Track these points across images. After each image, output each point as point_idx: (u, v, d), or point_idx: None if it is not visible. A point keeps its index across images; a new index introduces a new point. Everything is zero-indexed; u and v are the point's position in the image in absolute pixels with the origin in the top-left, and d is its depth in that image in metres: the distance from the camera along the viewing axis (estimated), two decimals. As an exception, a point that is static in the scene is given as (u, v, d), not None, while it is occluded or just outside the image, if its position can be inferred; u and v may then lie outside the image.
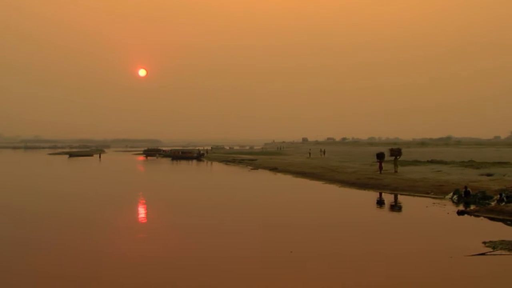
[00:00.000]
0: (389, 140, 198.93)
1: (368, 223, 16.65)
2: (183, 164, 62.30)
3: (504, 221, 15.85)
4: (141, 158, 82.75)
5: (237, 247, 12.79)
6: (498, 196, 18.92)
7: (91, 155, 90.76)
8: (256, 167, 49.64)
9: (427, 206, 19.47)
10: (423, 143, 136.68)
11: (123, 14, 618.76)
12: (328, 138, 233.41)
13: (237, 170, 48.73)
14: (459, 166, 35.00)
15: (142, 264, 10.91)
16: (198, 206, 20.98)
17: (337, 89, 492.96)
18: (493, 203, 18.51)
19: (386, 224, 16.93)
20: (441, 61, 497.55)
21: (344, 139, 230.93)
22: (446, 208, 18.78)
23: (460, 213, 17.62)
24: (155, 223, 17.24)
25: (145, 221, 17.88)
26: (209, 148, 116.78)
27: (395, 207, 20.92)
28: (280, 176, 39.13)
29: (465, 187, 21.01)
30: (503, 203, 18.03)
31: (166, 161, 69.19)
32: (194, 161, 69.28)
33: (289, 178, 36.67)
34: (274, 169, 45.29)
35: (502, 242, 12.24)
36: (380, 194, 24.47)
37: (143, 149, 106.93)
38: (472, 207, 18.71)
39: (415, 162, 40.77)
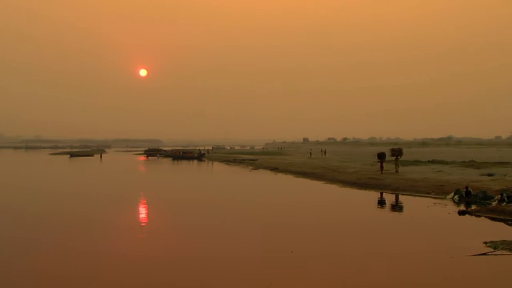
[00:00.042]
0: (390, 140, 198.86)
1: (369, 223, 16.63)
2: (184, 164, 62.32)
3: (505, 221, 15.83)
4: (142, 158, 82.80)
5: (238, 247, 12.79)
6: (499, 196, 18.90)
7: (92, 155, 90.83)
8: (257, 167, 49.64)
9: (428, 206, 19.46)
10: (424, 143, 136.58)
11: (123, 14, 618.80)
12: (329, 138, 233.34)
13: (238, 170, 48.74)
14: (460, 166, 34.97)
15: (143, 264, 10.90)
16: (199, 206, 20.98)
17: (337, 89, 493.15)
18: (494, 203, 18.49)
19: (387, 224, 16.91)
20: (441, 61, 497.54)
21: (345, 139, 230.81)
22: (447, 208, 18.76)
23: (461, 213, 17.60)
24: (156, 223, 17.24)
25: (146, 221, 17.87)
26: (210, 148, 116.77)
27: (396, 207, 20.90)
28: (281, 176, 39.13)
29: (466, 187, 20.98)
30: (504, 203, 18.02)
31: (167, 161, 69.21)
32: (195, 161, 69.30)
33: (290, 178, 36.66)
34: (275, 169, 45.29)
35: (503, 242, 12.22)
36: (381, 194, 24.44)
37: (144, 149, 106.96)
38: (473, 207, 18.69)
39: (416, 162, 40.75)
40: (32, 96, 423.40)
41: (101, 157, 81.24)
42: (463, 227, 15.79)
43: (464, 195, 20.52)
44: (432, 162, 40.93)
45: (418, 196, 22.70)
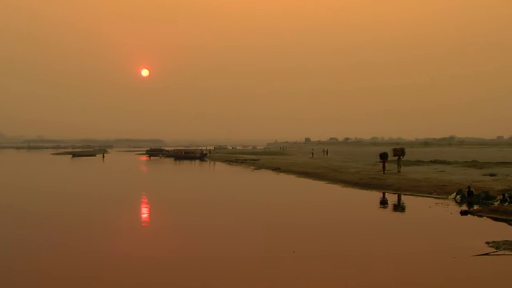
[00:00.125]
0: (392, 140, 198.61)
1: (371, 223, 16.62)
2: (186, 164, 62.37)
3: (507, 221, 15.79)
4: (144, 158, 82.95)
5: (240, 247, 12.79)
6: (501, 196, 18.86)
7: (94, 155, 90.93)
8: (258, 167, 49.64)
9: (430, 206, 19.44)
10: (426, 143, 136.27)
11: (123, 14, 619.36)
12: (331, 138, 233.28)
13: (240, 170, 48.75)
14: (462, 166, 34.90)
15: (144, 264, 10.91)
16: (201, 206, 21.00)
17: (337, 89, 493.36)
18: (496, 203, 18.46)
19: (389, 224, 16.90)
20: (441, 61, 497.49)
21: (347, 139, 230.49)
22: (449, 208, 18.74)
23: (463, 213, 17.57)
24: (158, 223, 17.27)
25: (148, 221, 17.91)
26: (212, 148, 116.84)
27: (398, 207, 20.89)
28: (283, 176, 39.13)
29: (468, 187, 20.95)
30: (507, 203, 17.98)
31: (169, 161, 69.28)
32: (197, 161, 69.33)
33: (292, 178, 36.66)
34: (276, 169, 45.29)
35: (505, 242, 12.20)
36: (383, 194, 24.42)
37: (146, 149, 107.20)
38: (475, 207, 18.66)
39: (418, 162, 40.67)
40: (35, 96, 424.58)
41: (103, 157, 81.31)
42: (465, 227, 15.77)
43: (466, 195, 20.48)
44: (434, 162, 40.84)
45: (420, 196, 22.67)
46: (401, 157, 34.35)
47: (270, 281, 9.62)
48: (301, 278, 9.85)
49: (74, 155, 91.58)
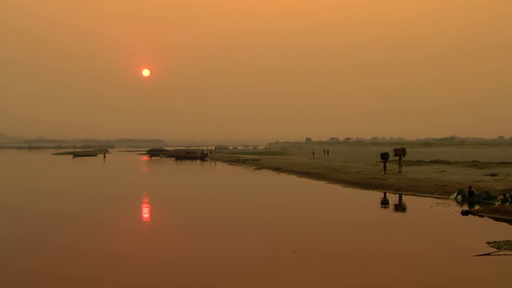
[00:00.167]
0: (393, 140, 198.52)
1: (372, 223, 16.61)
2: (187, 164, 62.38)
3: (508, 221, 15.77)
4: (145, 158, 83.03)
5: (241, 247, 12.80)
6: (503, 196, 18.84)
7: (95, 155, 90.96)
8: (259, 167, 49.64)
9: (431, 206, 19.43)
10: (427, 143, 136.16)
11: (123, 14, 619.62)
12: (332, 138, 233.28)
13: (241, 170, 48.75)
14: (463, 166, 34.87)
15: (145, 264, 10.92)
16: (202, 206, 21.01)
17: (337, 89, 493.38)
18: (497, 203, 18.44)
19: (390, 224, 16.89)
20: (441, 61, 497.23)
21: (347, 139, 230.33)
22: (450, 208, 18.73)
23: (464, 213, 17.56)
24: (159, 223, 17.28)
25: (149, 221, 17.91)
26: (213, 148, 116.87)
27: (399, 207, 20.89)
28: (283, 176, 39.13)
29: (469, 187, 20.94)
30: (508, 203, 17.97)
31: (170, 161, 69.33)
32: (198, 161, 69.35)
33: (292, 178, 36.65)
34: (277, 169, 45.29)
35: (506, 242, 12.18)
36: (384, 194, 24.40)
37: (147, 149, 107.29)
38: (476, 207, 18.65)
39: (419, 162, 40.66)
40: (35, 96, 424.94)
41: (104, 157, 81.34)
42: (466, 227, 15.76)
43: (467, 195, 20.47)
44: (435, 162, 40.82)
45: (421, 196, 22.66)
46: (402, 157, 34.34)
47: (271, 281, 9.62)
48: (302, 278, 9.85)
49: (75, 155, 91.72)
